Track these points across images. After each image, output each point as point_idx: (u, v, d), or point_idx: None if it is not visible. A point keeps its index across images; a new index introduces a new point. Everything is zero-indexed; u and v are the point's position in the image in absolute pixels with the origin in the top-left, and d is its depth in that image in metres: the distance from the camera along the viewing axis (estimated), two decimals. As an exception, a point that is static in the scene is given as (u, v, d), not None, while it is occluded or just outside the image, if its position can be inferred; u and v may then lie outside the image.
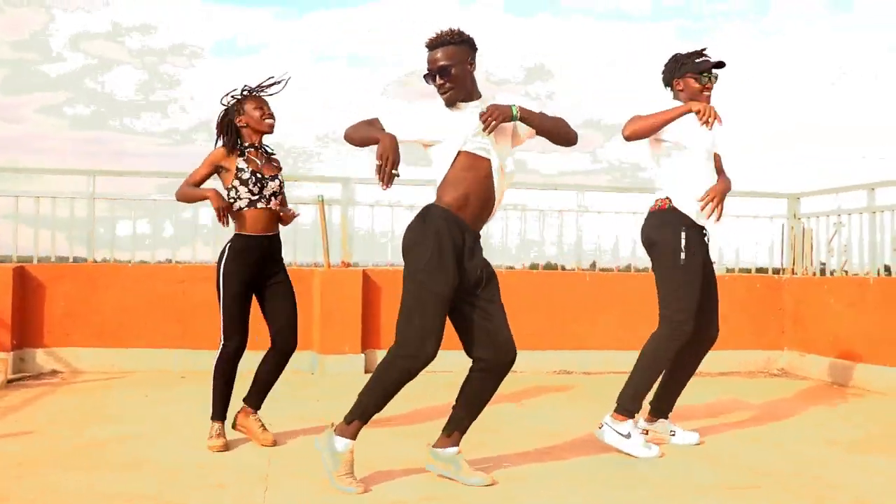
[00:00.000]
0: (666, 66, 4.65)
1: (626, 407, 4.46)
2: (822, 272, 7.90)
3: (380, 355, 7.37)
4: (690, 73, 4.53)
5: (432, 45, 3.65)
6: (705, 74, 4.50)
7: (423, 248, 3.56)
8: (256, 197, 4.44)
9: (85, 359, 7.24)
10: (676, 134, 4.45)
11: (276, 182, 4.53)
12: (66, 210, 7.60)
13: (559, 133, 3.77)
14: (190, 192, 4.51)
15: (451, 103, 3.67)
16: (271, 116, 4.54)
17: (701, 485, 3.85)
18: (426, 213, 3.65)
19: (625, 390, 4.50)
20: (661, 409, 4.79)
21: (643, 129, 4.40)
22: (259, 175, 4.45)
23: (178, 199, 4.62)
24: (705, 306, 4.52)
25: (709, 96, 4.52)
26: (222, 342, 4.52)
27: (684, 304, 4.39)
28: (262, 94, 4.56)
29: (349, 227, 7.83)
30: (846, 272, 7.58)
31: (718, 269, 8.30)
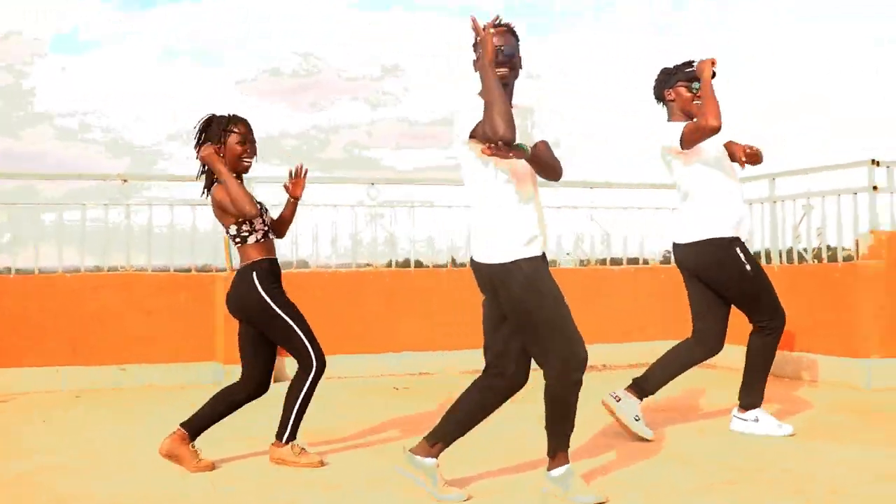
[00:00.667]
0: (656, 79, 4.82)
1: (747, 404, 4.82)
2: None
3: (289, 363, 7.04)
4: (681, 82, 4.69)
5: (509, 30, 3.52)
6: (696, 83, 4.62)
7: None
8: (266, 228, 4.23)
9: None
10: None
11: (269, 214, 4.34)
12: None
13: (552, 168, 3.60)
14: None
15: (504, 86, 3.44)
16: (252, 156, 4.22)
17: (683, 487, 3.73)
18: None
19: (745, 391, 4.85)
20: (641, 389, 4.82)
21: (715, 107, 4.44)
22: (261, 205, 4.25)
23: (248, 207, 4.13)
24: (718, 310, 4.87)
25: (700, 105, 4.61)
26: (315, 363, 4.17)
27: (774, 306, 4.82)
28: (244, 121, 4.21)
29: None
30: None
31: (622, 265, 8.37)
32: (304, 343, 4.14)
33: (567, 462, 3.53)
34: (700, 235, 4.68)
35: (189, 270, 7.28)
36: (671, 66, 4.76)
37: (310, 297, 7.33)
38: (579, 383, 3.45)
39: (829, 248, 7.13)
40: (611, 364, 7.80)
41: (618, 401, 4.74)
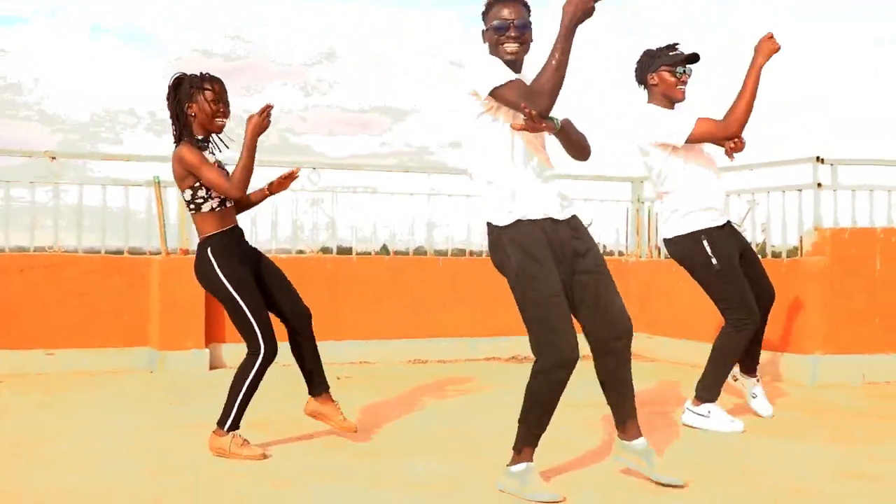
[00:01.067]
0: (638, 62, 4.71)
1: (704, 397, 4.75)
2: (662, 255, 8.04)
3: (226, 350, 6.86)
4: (665, 66, 4.58)
5: (520, 1, 3.31)
6: (680, 67, 4.55)
7: None
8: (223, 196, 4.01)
9: None
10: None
11: None
12: None
13: (582, 146, 3.48)
14: (243, 177, 3.92)
15: (512, 63, 3.28)
16: (226, 115, 4.01)
17: (643, 485, 3.64)
18: None
19: (703, 382, 4.77)
20: (749, 367, 5.03)
21: (747, 111, 4.42)
22: (227, 171, 4.03)
23: (245, 189, 4.01)
24: (755, 283, 4.77)
25: (683, 90, 4.58)
26: (263, 349, 3.94)
27: (742, 301, 4.63)
28: (214, 79, 4.00)
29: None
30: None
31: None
32: (253, 327, 3.94)
33: (530, 460, 3.41)
34: (675, 231, 4.69)
35: (122, 253, 6.99)
36: (654, 48, 4.65)
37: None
38: (562, 383, 3.31)
39: (773, 245, 7.16)
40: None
41: (754, 398, 5.02)
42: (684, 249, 4.70)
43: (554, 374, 3.27)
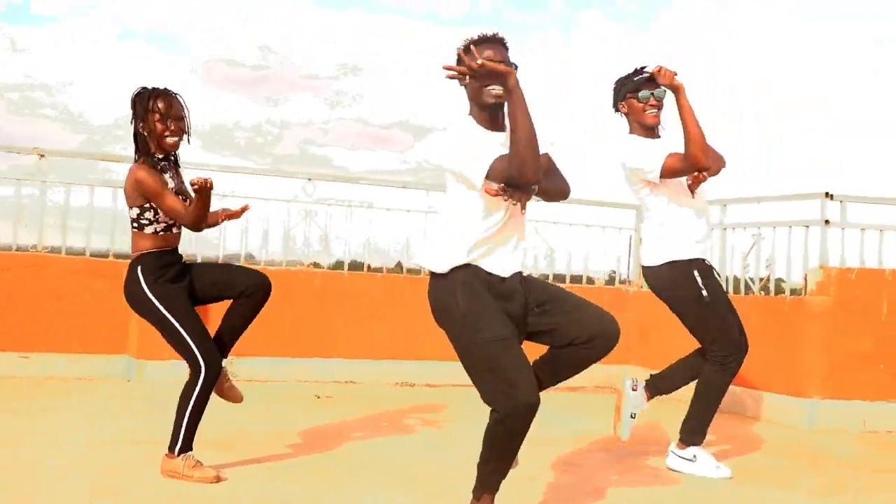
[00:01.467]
0: (613, 92, 4.46)
1: (689, 440, 4.51)
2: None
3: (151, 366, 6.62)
4: (630, 93, 4.35)
5: (495, 39, 3.05)
6: (643, 91, 4.30)
7: None
8: (174, 223, 3.84)
9: None
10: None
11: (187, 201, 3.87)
12: None
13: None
14: (200, 214, 3.71)
15: (494, 108, 3.05)
16: (176, 134, 3.80)
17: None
18: None
19: (687, 424, 4.53)
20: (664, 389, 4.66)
21: (699, 142, 4.16)
22: (184, 197, 3.84)
23: (203, 227, 3.84)
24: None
25: (654, 114, 4.33)
26: (204, 369, 3.75)
27: (728, 339, 4.43)
28: (173, 96, 3.81)
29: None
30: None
31: (565, 283, 8.09)
32: (190, 346, 3.75)
33: None
34: (659, 259, 4.44)
35: (107, 256, 6.81)
36: (623, 75, 4.41)
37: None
38: (523, 430, 3.01)
39: (777, 280, 6.92)
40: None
41: (634, 389, 4.56)
42: (671, 279, 4.44)
43: (513, 422, 2.99)
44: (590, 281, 8.25)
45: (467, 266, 3.06)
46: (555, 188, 3.17)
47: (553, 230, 7.99)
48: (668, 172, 4.25)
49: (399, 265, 7.61)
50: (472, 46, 2.97)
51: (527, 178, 2.88)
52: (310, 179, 7.18)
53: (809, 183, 7.90)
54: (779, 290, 6.75)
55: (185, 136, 3.86)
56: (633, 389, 4.48)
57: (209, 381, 3.75)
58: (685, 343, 7.08)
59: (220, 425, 4.98)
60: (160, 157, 3.82)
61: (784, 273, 6.71)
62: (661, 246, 4.43)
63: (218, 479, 3.74)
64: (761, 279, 6.83)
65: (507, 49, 3.09)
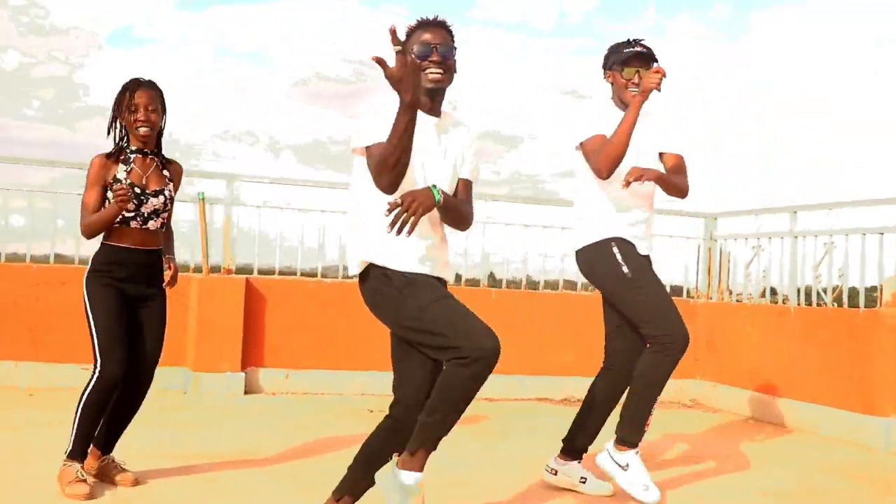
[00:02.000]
0: (604, 56, 4.15)
1: (626, 439, 4.03)
2: (740, 298, 7.50)
3: (264, 374, 6.68)
4: (616, 64, 4.01)
5: (436, 23, 2.99)
6: (628, 68, 3.95)
7: None
8: (132, 214, 3.70)
9: None
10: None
11: (160, 199, 3.78)
12: None
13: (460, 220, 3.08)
14: (95, 221, 3.66)
15: (433, 92, 2.98)
16: (146, 123, 3.72)
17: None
18: None
19: (622, 420, 4.05)
20: (575, 449, 4.23)
21: (618, 155, 3.86)
22: (137, 189, 3.71)
23: (89, 236, 3.75)
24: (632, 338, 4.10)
25: (635, 93, 3.89)
26: (98, 371, 3.66)
27: (664, 320, 3.90)
28: (142, 87, 3.74)
29: (233, 229, 7.02)
30: (764, 299, 7.19)
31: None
32: (94, 345, 3.66)
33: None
34: (582, 242, 4.09)
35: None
36: (616, 43, 4.07)
37: (293, 307, 6.94)
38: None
39: (851, 290, 6.56)
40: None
41: (554, 474, 4.22)
42: (591, 260, 4.06)
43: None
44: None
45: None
46: (455, 215, 3.00)
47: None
48: (582, 149, 4.00)
49: (458, 277, 7.49)
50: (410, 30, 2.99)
51: (379, 186, 2.81)
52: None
53: (812, 183, 7.53)
54: (853, 302, 6.40)
55: (157, 128, 3.79)
56: (555, 474, 4.23)
57: (100, 386, 3.62)
58: (752, 357, 6.83)
59: (263, 436, 4.96)
60: (133, 149, 3.77)
61: (858, 283, 6.36)
62: (584, 226, 4.09)
63: (87, 497, 3.57)
64: (834, 289, 6.49)
65: (449, 34, 3.00)
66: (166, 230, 3.96)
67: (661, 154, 4.16)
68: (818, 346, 6.24)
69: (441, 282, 3.02)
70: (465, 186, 3.08)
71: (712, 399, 7.33)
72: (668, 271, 7.96)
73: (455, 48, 2.99)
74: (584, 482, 4.17)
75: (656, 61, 3.98)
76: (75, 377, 6.35)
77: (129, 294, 3.77)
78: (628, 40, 4.03)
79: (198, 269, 6.84)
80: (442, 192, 2.85)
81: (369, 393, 6.83)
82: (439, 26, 2.98)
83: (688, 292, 8.02)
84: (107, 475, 3.86)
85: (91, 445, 3.81)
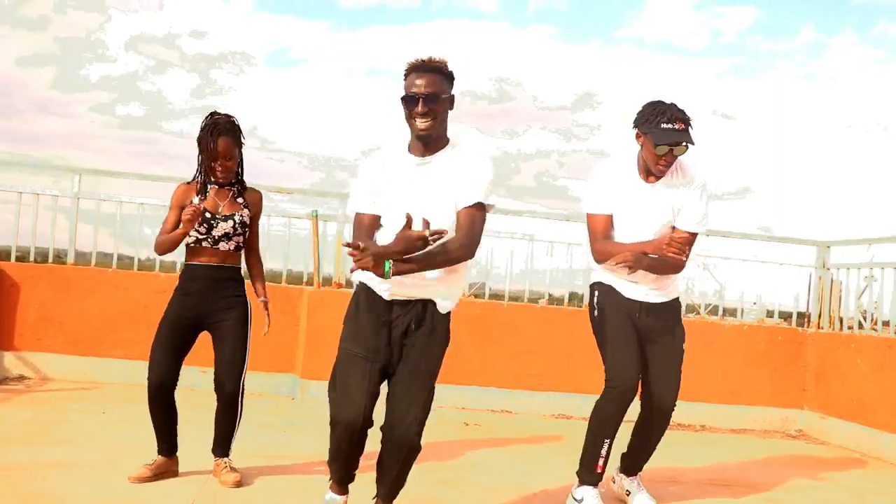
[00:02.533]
0: (638, 113, 4.05)
1: (581, 476, 4.19)
2: (850, 328, 7.30)
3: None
4: (650, 135, 3.93)
5: (423, 67, 3.14)
6: (660, 146, 3.91)
7: None
8: (203, 236, 4.11)
9: (56, 366, 6.86)
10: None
11: (230, 223, 4.13)
12: (53, 208, 7.25)
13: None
14: (166, 239, 4.10)
15: (424, 138, 3.18)
16: (223, 171, 4.10)
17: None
18: None
19: (581, 459, 4.20)
20: (626, 467, 4.43)
21: (611, 258, 4.01)
22: (209, 214, 4.11)
23: (160, 252, 4.19)
24: (650, 375, 4.18)
25: (662, 169, 3.99)
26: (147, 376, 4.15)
27: (608, 362, 4.09)
28: (223, 136, 4.07)
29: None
30: (876, 330, 6.98)
31: (735, 319, 7.76)
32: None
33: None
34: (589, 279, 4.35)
35: (279, 281, 7.29)
36: (657, 104, 3.97)
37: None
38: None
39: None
40: (710, 425, 7.23)
41: (628, 494, 4.38)
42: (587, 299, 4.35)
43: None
44: (768, 315, 7.86)
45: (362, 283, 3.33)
46: (428, 267, 3.13)
47: (725, 265, 7.71)
48: (587, 218, 4.13)
49: (553, 296, 7.61)
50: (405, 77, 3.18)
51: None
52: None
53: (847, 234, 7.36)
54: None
55: (235, 173, 4.15)
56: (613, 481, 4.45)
57: (149, 389, 4.09)
58: (861, 390, 6.64)
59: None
60: (213, 181, 4.14)
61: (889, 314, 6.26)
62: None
63: (138, 480, 4.02)
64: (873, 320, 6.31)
65: (445, 76, 3.15)
66: (254, 258, 4.32)
67: (674, 226, 4.12)
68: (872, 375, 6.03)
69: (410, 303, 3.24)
70: (466, 214, 3.16)
71: (819, 431, 7.16)
72: (779, 299, 7.85)
73: (443, 93, 3.13)
74: (628, 494, 4.37)
75: (692, 128, 3.95)
76: (193, 378, 6.86)
77: (204, 309, 4.15)
78: (667, 113, 3.92)
79: (309, 283, 7.22)
80: (394, 264, 2.98)
81: (469, 407, 7.03)
82: (428, 71, 3.11)
83: (798, 321, 7.85)
84: (217, 475, 4.21)
85: (168, 448, 4.23)
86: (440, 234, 2.94)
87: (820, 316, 7.67)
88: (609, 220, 4.08)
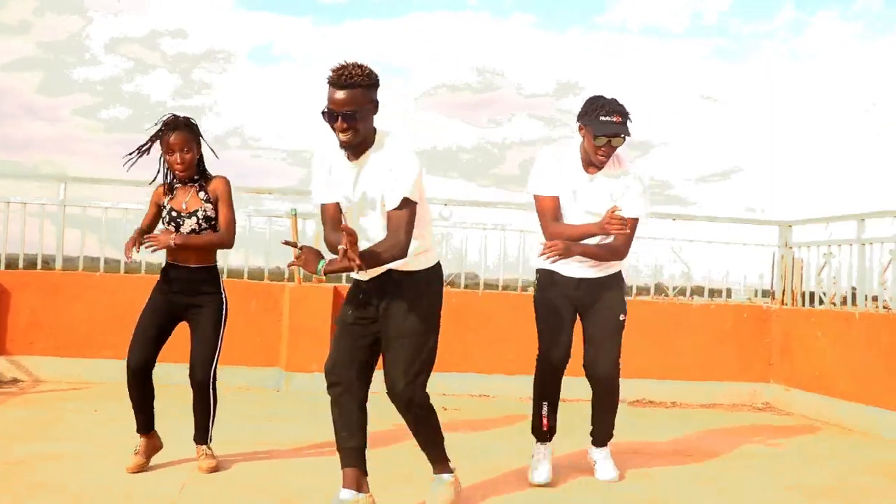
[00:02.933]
0: (583, 103, 4.38)
1: (533, 434, 4.66)
2: (812, 303, 7.61)
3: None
4: (590, 127, 4.25)
5: (340, 83, 3.36)
6: (599, 137, 4.22)
7: None
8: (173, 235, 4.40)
9: (48, 368, 7.11)
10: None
11: (193, 220, 4.39)
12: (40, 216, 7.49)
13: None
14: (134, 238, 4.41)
15: (347, 147, 3.49)
16: (181, 164, 4.35)
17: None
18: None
19: (531, 419, 4.66)
20: (593, 438, 4.77)
21: (563, 237, 4.32)
22: (175, 213, 4.39)
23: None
24: (588, 343, 4.54)
25: (602, 160, 4.29)
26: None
27: (540, 339, 4.52)
28: (178, 130, 4.33)
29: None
30: (834, 305, 7.30)
31: (703, 296, 8.07)
32: None
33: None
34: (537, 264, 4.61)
35: (262, 278, 7.56)
36: (598, 98, 4.30)
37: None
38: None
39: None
40: (680, 401, 7.54)
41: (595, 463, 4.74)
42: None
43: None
44: (729, 295, 8.18)
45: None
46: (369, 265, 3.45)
47: (691, 248, 8.00)
48: (534, 200, 4.42)
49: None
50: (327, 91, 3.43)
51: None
52: (445, 205, 7.63)
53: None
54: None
55: (194, 167, 4.39)
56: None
57: (128, 371, 4.39)
58: (821, 362, 6.95)
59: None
60: (176, 179, 4.41)
61: (847, 289, 6.54)
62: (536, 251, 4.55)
63: (137, 468, 4.32)
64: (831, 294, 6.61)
65: (365, 87, 3.38)
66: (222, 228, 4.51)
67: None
68: (882, 351, 6.34)
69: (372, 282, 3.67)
70: (391, 216, 3.49)
71: (784, 403, 7.48)
72: (744, 278, 8.17)
73: (363, 106, 3.38)
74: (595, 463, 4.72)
75: (630, 121, 4.25)
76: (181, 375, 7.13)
77: (181, 303, 4.45)
78: (605, 106, 4.23)
79: (290, 279, 7.48)
80: (327, 263, 3.37)
81: (450, 393, 7.30)
82: (346, 87, 3.34)
83: (763, 297, 8.17)
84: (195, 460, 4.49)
85: (145, 425, 4.52)
86: (352, 240, 3.25)
87: (784, 293, 7.99)
88: (556, 201, 4.36)
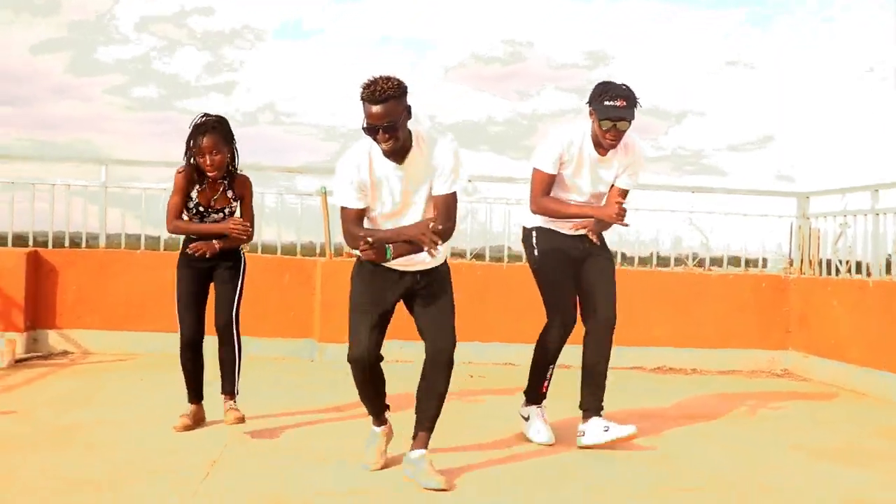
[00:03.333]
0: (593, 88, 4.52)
1: (527, 397, 4.88)
2: (829, 272, 7.79)
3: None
4: (596, 111, 4.42)
5: (374, 99, 3.60)
6: (605, 122, 4.39)
7: None
8: (193, 215, 4.71)
9: (95, 341, 7.49)
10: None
11: (220, 215, 4.70)
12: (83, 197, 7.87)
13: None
14: (184, 229, 4.74)
15: (392, 154, 3.73)
16: (211, 167, 4.56)
17: (643, 485, 3.91)
18: None
19: (529, 380, 4.87)
20: (581, 406, 4.80)
21: (550, 216, 4.59)
22: (202, 208, 4.68)
23: (173, 233, 4.93)
24: (588, 292, 4.71)
25: (610, 143, 4.47)
26: (179, 333, 4.81)
27: (548, 302, 4.73)
28: (208, 133, 4.53)
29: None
30: (849, 273, 7.48)
31: (723, 269, 8.28)
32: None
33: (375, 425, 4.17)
34: (521, 221, 4.86)
35: (294, 253, 7.88)
36: (606, 83, 4.46)
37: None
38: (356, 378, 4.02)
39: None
40: (700, 369, 7.78)
41: (582, 436, 4.72)
42: (522, 240, 4.86)
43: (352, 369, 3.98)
44: (749, 265, 8.39)
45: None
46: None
47: (709, 220, 8.22)
48: (532, 171, 4.61)
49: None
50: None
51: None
52: (470, 181, 7.88)
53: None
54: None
55: (225, 167, 4.61)
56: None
57: (181, 344, 4.77)
58: (838, 330, 7.15)
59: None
60: (207, 178, 4.62)
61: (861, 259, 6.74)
62: (525, 209, 4.79)
63: (182, 429, 4.68)
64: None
65: (397, 97, 3.62)
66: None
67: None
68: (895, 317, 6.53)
69: (412, 274, 3.96)
70: (443, 201, 3.81)
71: (802, 369, 7.68)
72: (762, 248, 8.37)
73: (399, 115, 3.63)
74: (582, 435, 4.70)
75: (638, 106, 4.42)
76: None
77: (205, 267, 4.76)
78: (610, 91, 4.39)
79: (322, 254, 7.80)
80: (394, 248, 3.71)
81: (476, 362, 7.58)
82: (381, 102, 3.59)
83: (784, 265, 8.37)
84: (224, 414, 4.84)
85: (196, 395, 4.89)
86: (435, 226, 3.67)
87: (802, 262, 8.17)
88: (552, 179, 4.58)
